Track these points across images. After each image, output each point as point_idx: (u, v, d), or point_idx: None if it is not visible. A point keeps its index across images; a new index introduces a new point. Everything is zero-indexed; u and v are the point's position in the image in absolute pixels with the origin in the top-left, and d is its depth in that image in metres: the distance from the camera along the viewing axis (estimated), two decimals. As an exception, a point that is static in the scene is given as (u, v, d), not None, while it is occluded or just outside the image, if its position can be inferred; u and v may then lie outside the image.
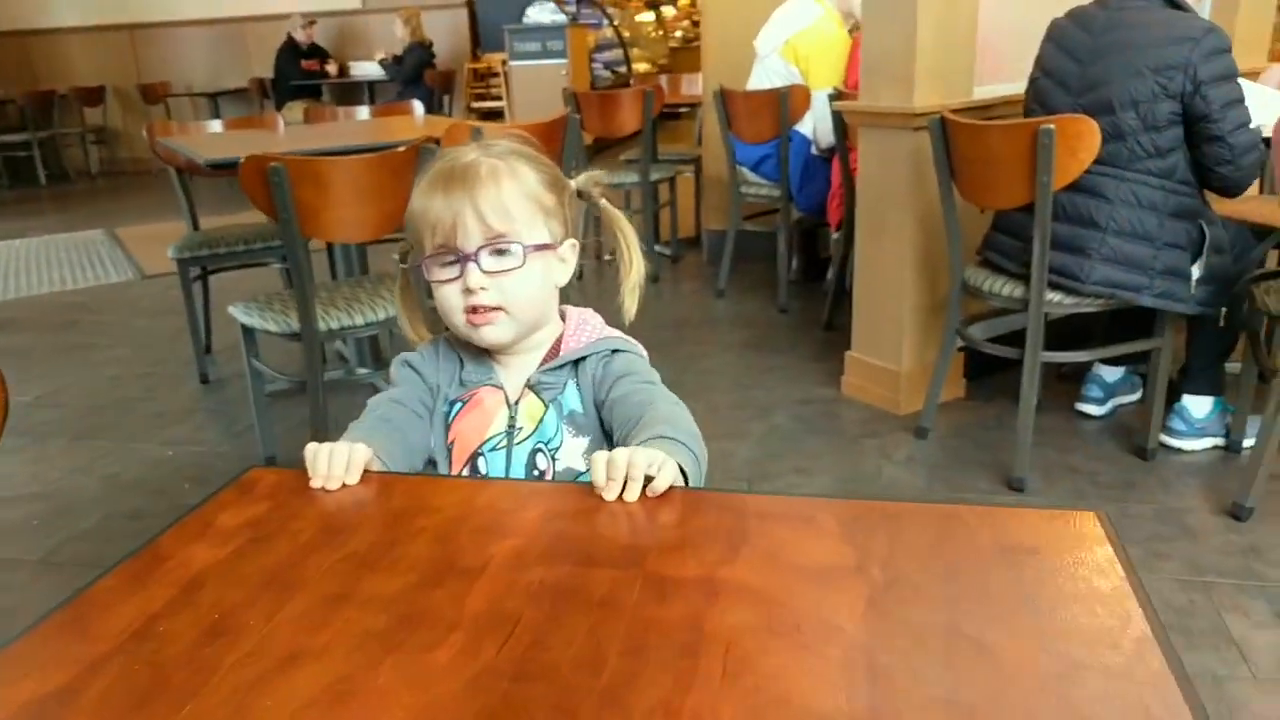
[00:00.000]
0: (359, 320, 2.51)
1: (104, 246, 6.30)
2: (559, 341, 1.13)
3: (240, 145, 2.42)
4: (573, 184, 1.14)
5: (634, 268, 1.15)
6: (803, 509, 0.76)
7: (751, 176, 4.07)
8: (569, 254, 1.13)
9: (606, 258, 4.82)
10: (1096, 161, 2.24)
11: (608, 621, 0.61)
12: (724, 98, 3.90)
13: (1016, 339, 2.53)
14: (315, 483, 0.86)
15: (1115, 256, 2.30)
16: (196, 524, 0.78)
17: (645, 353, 1.13)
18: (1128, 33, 2.26)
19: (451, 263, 1.04)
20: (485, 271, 1.03)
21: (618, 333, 1.16)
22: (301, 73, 8.64)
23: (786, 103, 3.70)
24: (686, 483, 0.85)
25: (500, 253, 1.04)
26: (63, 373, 3.82)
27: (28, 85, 9.41)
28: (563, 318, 1.16)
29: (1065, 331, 2.76)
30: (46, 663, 0.61)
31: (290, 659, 0.59)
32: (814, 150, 3.89)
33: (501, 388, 1.11)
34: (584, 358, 1.10)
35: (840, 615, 0.61)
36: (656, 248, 4.87)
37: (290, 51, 8.66)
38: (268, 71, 8.90)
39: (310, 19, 8.70)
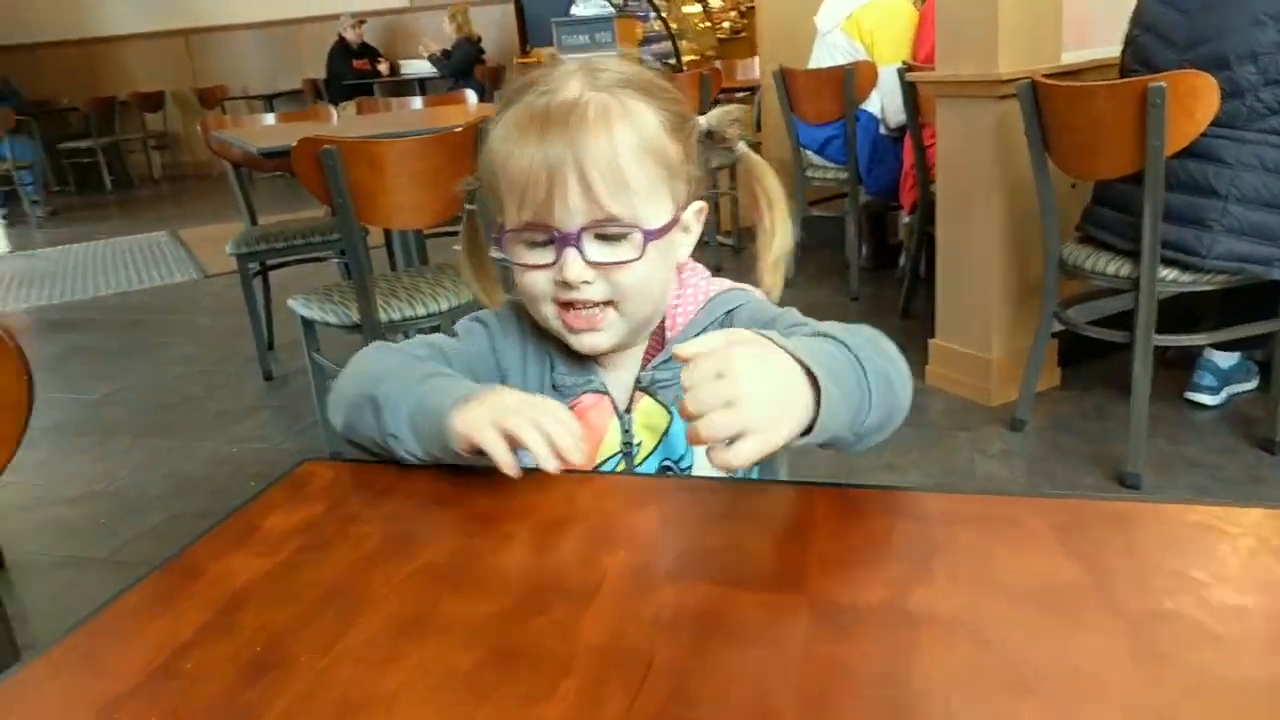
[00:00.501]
0: (420, 311, 2.41)
1: (168, 247, 6.34)
2: (665, 319, 0.90)
3: (293, 135, 2.33)
4: (701, 121, 0.88)
5: (778, 235, 0.90)
6: (997, 509, 0.61)
7: (816, 160, 3.89)
8: (694, 221, 0.89)
9: (719, 239, 4.67)
10: (1212, 123, 2.04)
11: (772, 666, 0.47)
12: (785, 77, 3.72)
13: (1119, 322, 2.34)
14: (548, 463, 0.66)
15: (1240, 227, 2.09)
16: (238, 528, 0.66)
17: (766, 296, 0.91)
18: (1244, -21, 2.05)
19: (543, 243, 0.81)
20: (590, 262, 0.80)
21: (724, 281, 0.93)
22: (354, 72, 8.64)
23: (852, 80, 3.52)
24: (860, 416, 0.66)
25: (611, 238, 0.80)
26: (129, 371, 3.83)
27: (90, 92, 9.56)
28: None
29: (1170, 313, 2.55)
30: (47, 707, 0.49)
31: (352, 709, 0.46)
32: (882, 129, 3.71)
33: (606, 392, 0.88)
34: (700, 332, 0.86)
35: (1096, 660, 0.46)
36: (718, 238, 4.71)
37: (342, 51, 8.67)
38: (320, 72, 8.92)
39: (359, 18, 8.70)
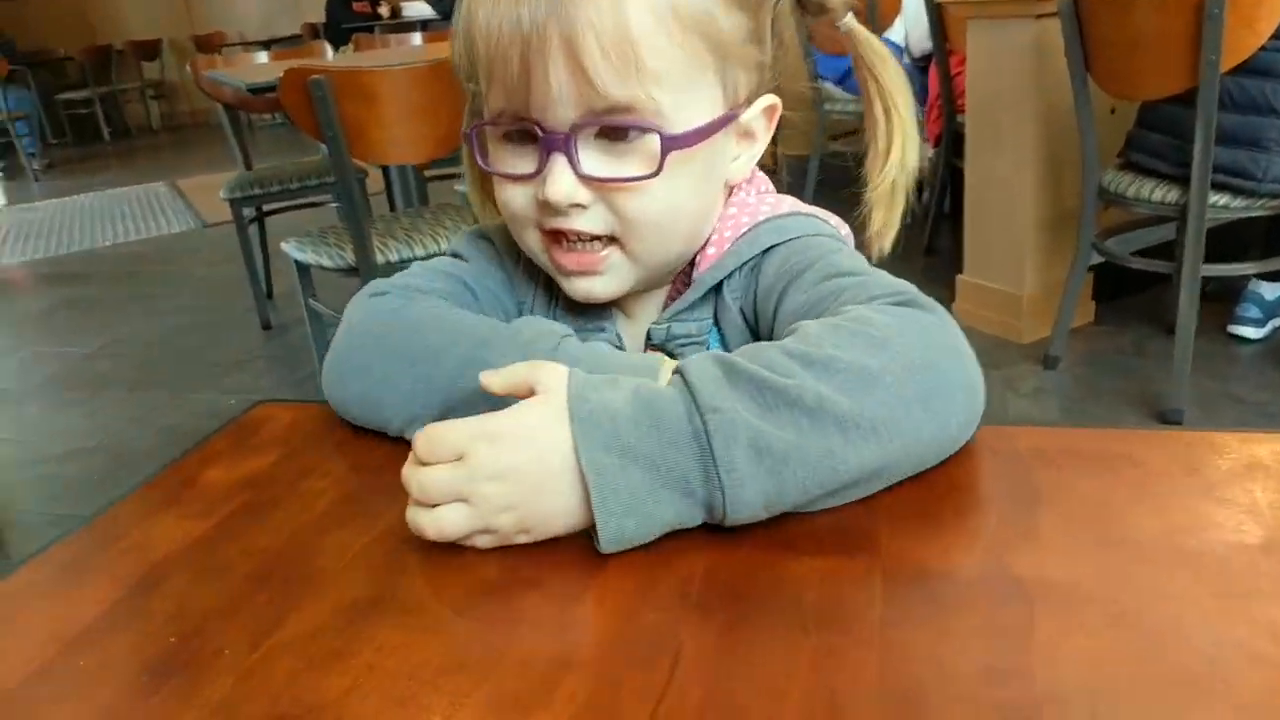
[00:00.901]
0: (419, 252, 2.28)
1: (165, 198, 6.21)
2: (700, 254, 0.66)
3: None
4: None
5: (895, 150, 0.66)
6: (1107, 445, 0.48)
7: (836, 92, 3.71)
8: (761, 124, 0.65)
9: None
10: (1273, 36, 1.87)
11: (836, 658, 0.35)
12: (801, 4, 3.52)
13: (1160, 253, 2.19)
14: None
15: (1298, 148, 1.93)
16: (169, 484, 0.54)
17: (841, 228, 0.67)
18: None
19: (521, 141, 0.60)
20: (585, 177, 0.58)
21: (784, 200, 0.68)
22: (353, 15, 8.38)
23: (875, 8, 3.33)
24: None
25: (617, 137, 0.58)
26: (124, 323, 3.72)
27: (84, 41, 9.33)
28: None
29: (1213, 243, 2.40)
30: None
31: None
32: (906, 59, 3.52)
33: (620, 346, 0.68)
34: (727, 276, 0.64)
35: None
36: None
37: (341, -6, 8.41)
38: (319, 16, 8.66)
39: (361, -40, 8.41)
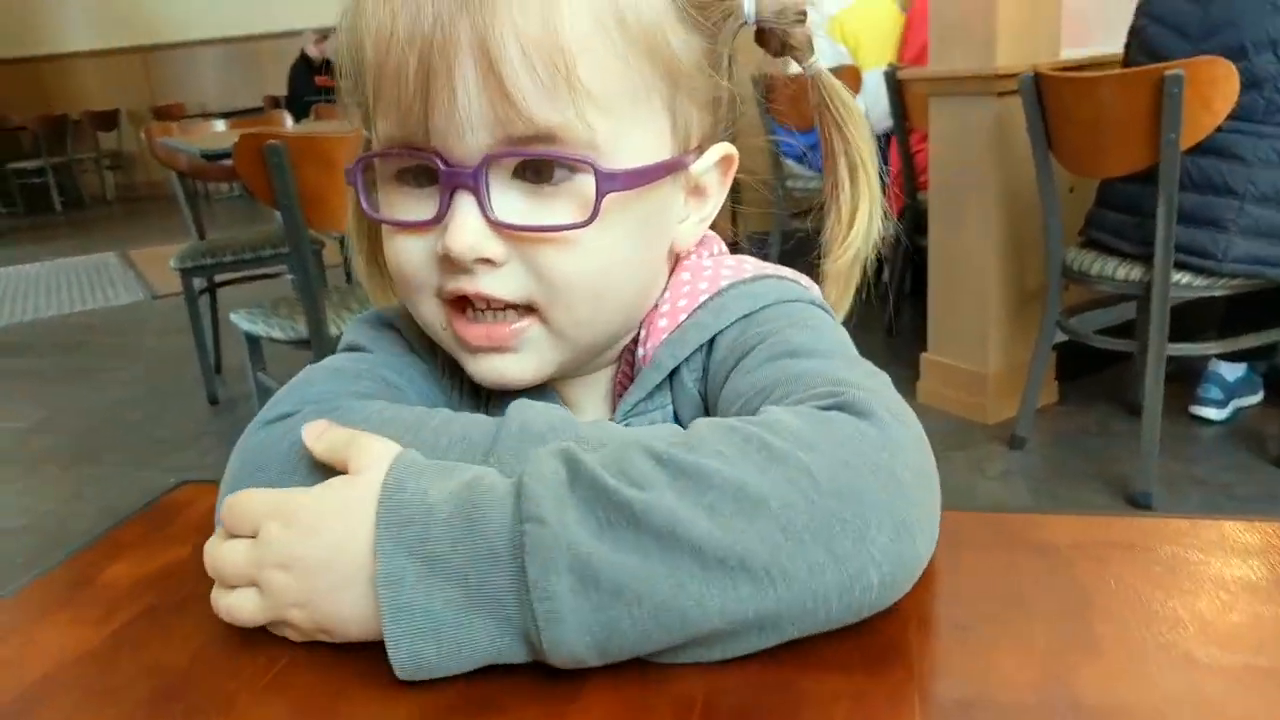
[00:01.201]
0: (373, 324, 2.20)
1: (115, 269, 6.08)
2: (645, 328, 0.55)
3: (240, 136, 2.14)
4: (747, 6, 0.53)
5: (860, 218, 0.57)
6: (1149, 535, 0.42)
7: (797, 169, 3.74)
8: (715, 177, 0.55)
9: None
10: (1229, 117, 1.90)
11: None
12: (764, 81, 3.57)
13: (1120, 332, 2.18)
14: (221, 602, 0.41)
15: (1258, 228, 1.95)
16: (64, 580, 0.46)
17: (812, 290, 0.55)
18: (1260, -37, 1.92)
19: (419, 181, 0.48)
20: (496, 223, 0.46)
21: (750, 265, 0.56)
22: (315, 89, 8.42)
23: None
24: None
25: (540, 178, 0.47)
26: (65, 396, 3.59)
27: (40, 110, 9.24)
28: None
29: (1172, 323, 2.41)
30: None
31: None
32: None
33: None
34: (686, 359, 0.52)
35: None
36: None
37: (304, 67, 8.45)
38: (282, 89, 8.69)
39: (322, 34, 8.48)
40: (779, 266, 0.57)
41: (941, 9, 2.49)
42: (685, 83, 0.50)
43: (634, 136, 0.48)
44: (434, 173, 0.47)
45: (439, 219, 0.46)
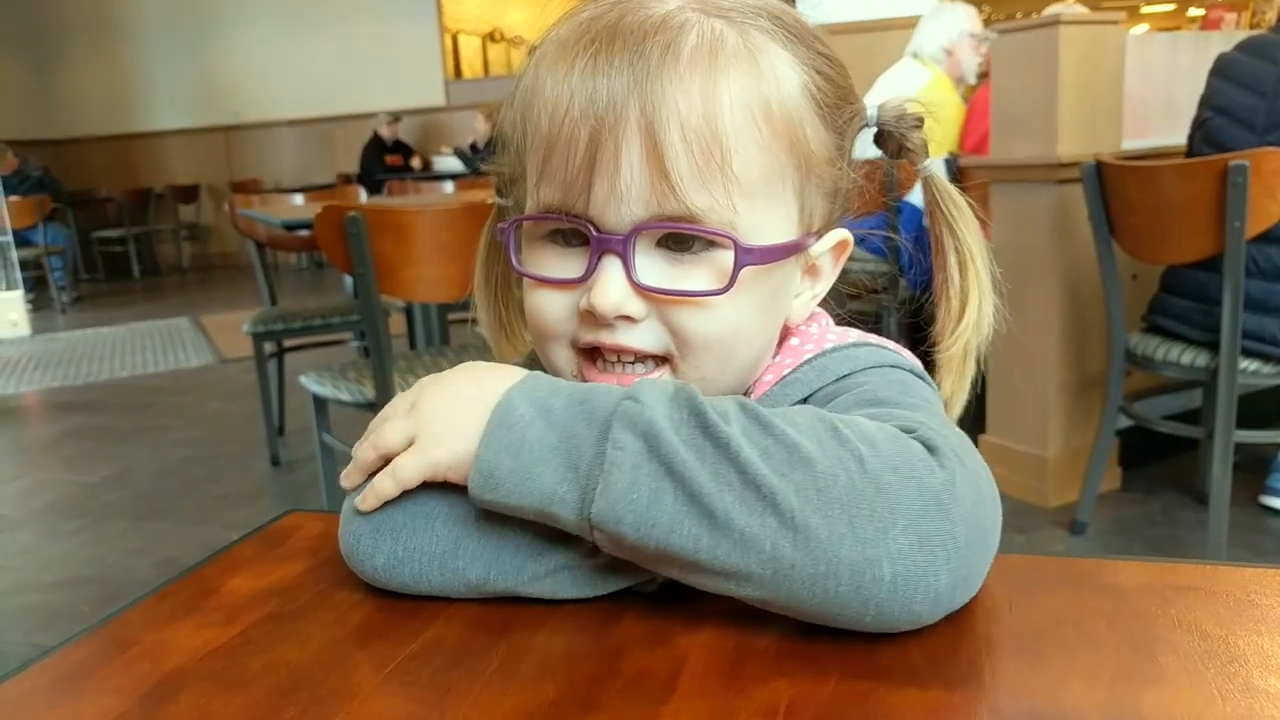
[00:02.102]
0: (438, 389, 2.26)
1: (187, 333, 6.29)
2: (753, 389, 0.59)
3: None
4: (870, 109, 0.61)
5: (970, 311, 0.61)
6: (1220, 581, 0.44)
7: (855, 251, 3.79)
8: (828, 260, 0.60)
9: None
10: (1294, 207, 1.90)
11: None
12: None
13: (1184, 419, 2.16)
14: (347, 479, 0.51)
15: (1324, 316, 1.94)
16: (189, 590, 0.50)
17: (912, 360, 0.59)
18: (1325, 58, 1.95)
19: (571, 244, 0.53)
20: (643, 287, 0.51)
21: (854, 334, 0.61)
22: (385, 168, 8.75)
23: (894, 171, 3.43)
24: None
25: (682, 250, 0.52)
26: (132, 454, 3.69)
27: (128, 184, 9.73)
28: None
29: (1240, 410, 2.38)
30: None
31: None
32: (926, 221, 3.61)
33: None
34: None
35: None
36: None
37: (375, 147, 8.80)
38: (353, 167, 9.04)
39: (395, 116, 8.85)
40: (881, 338, 0.61)
41: (1003, 100, 2.55)
42: (814, 172, 0.56)
43: (768, 217, 0.53)
44: (583, 235, 0.52)
45: (585, 278, 0.52)
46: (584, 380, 0.54)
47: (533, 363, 0.62)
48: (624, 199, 0.50)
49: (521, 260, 0.55)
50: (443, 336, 3.02)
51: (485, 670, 0.40)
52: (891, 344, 0.60)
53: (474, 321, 0.69)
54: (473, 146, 8.44)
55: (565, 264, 0.53)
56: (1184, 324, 2.13)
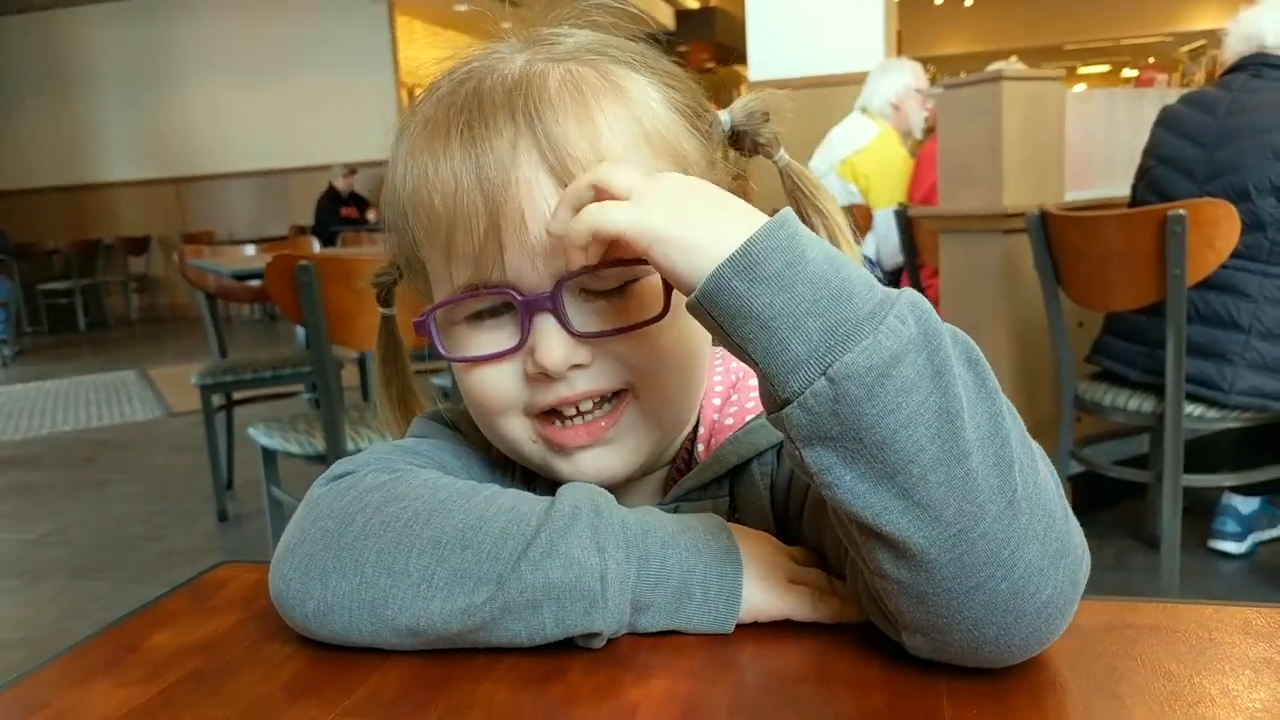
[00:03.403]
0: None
1: (134, 386, 6.15)
2: (695, 429, 0.60)
3: (270, 256, 2.22)
4: (722, 116, 0.61)
5: None
6: (1177, 618, 0.43)
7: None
8: None
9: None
10: (1232, 255, 1.96)
11: None
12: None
13: (1138, 463, 2.19)
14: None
15: (1264, 362, 1.98)
16: (110, 647, 0.47)
17: None
18: (1261, 114, 2.02)
19: (495, 315, 0.52)
20: (579, 334, 0.51)
21: None
22: (341, 220, 8.71)
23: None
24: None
25: (601, 293, 0.52)
26: (73, 510, 3.57)
27: (76, 235, 9.56)
28: None
29: (1185, 454, 2.42)
30: None
31: None
32: (879, 272, 3.66)
33: None
34: (749, 460, 0.56)
35: None
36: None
37: (330, 199, 8.77)
38: (309, 219, 8.99)
39: (351, 168, 8.84)
40: None
41: (950, 152, 2.60)
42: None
43: None
44: (507, 307, 0.51)
45: (521, 344, 0.51)
46: (547, 447, 0.53)
47: (460, 418, 0.61)
48: (537, 252, 0.49)
49: (448, 348, 0.54)
50: (396, 387, 2.97)
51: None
52: None
53: (438, 373, 0.68)
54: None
55: (495, 337, 0.52)
56: (1126, 365, 2.17)
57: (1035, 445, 0.43)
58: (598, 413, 0.53)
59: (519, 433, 0.53)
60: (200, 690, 0.42)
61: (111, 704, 0.41)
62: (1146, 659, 0.40)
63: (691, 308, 0.42)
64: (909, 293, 0.41)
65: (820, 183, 0.63)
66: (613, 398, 0.53)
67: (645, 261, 0.47)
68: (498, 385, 0.52)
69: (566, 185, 0.48)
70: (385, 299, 0.66)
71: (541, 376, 0.50)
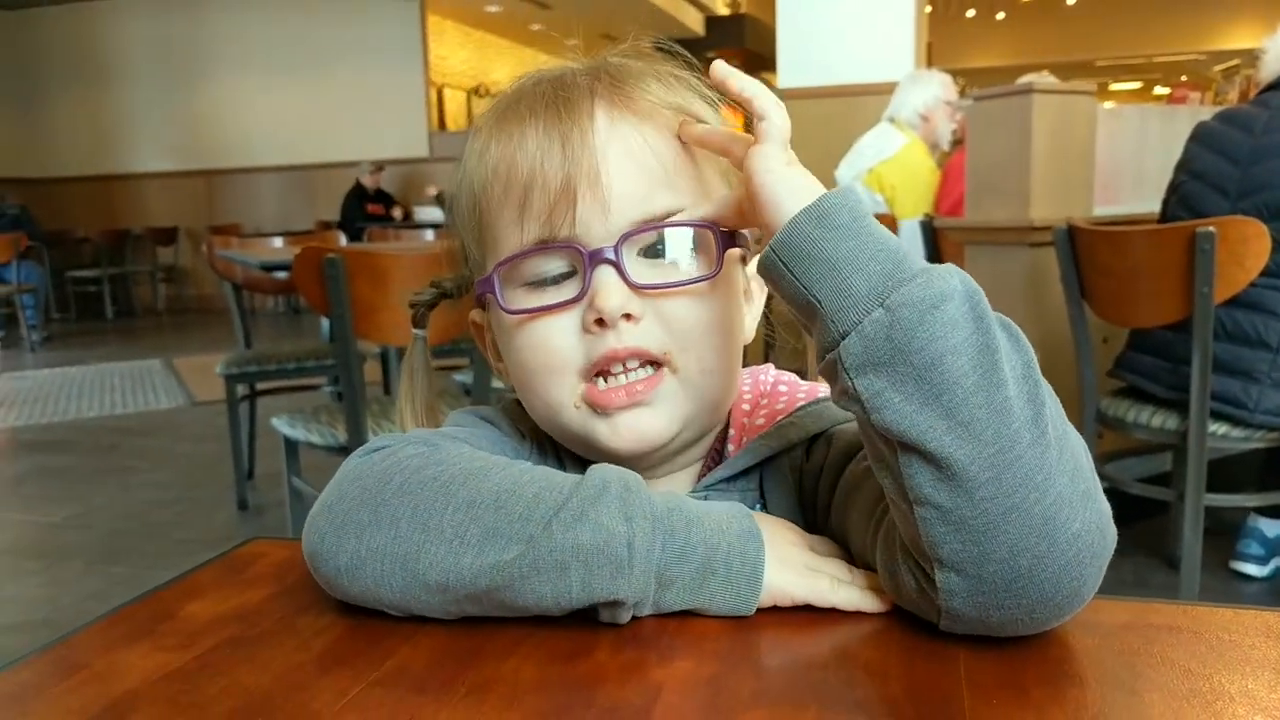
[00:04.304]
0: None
1: (158, 375, 6.21)
2: (725, 430, 0.63)
3: (299, 251, 2.25)
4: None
5: None
6: (1200, 620, 0.43)
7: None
8: (756, 285, 0.63)
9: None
10: (1262, 273, 1.94)
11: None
12: None
13: (1161, 481, 2.17)
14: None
15: (1291, 382, 1.96)
16: (145, 613, 0.48)
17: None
18: (1296, 131, 2.01)
19: (557, 277, 0.56)
20: (636, 285, 0.54)
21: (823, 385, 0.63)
22: (366, 216, 8.77)
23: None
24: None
25: (658, 254, 0.56)
26: (95, 495, 3.61)
27: (106, 224, 9.68)
28: None
29: (1211, 473, 2.39)
30: None
31: None
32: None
33: None
34: (775, 455, 0.59)
35: None
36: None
37: (356, 196, 8.83)
38: (334, 215, 9.06)
39: (378, 165, 8.90)
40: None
41: (978, 164, 2.60)
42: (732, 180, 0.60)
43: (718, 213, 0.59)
44: (567, 277, 0.56)
45: (582, 295, 0.55)
46: (589, 409, 0.56)
47: (501, 413, 0.64)
48: (608, 209, 0.54)
49: (508, 299, 0.57)
50: (418, 382, 2.99)
51: (451, 699, 0.39)
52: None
53: (460, 370, 0.70)
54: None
55: (556, 293, 0.56)
56: (1150, 380, 2.15)
57: (1067, 421, 0.47)
58: (639, 374, 0.55)
59: (566, 394, 0.56)
60: (235, 657, 0.43)
61: (149, 667, 0.43)
62: (1166, 657, 0.41)
63: (766, 257, 0.48)
64: (953, 266, 0.47)
65: None
66: (653, 369, 0.56)
67: (704, 224, 0.55)
68: (556, 336, 0.55)
69: (634, 150, 0.55)
70: (420, 320, 0.68)
71: (595, 326, 0.54)
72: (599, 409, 0.55)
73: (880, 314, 0.44)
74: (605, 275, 0.54)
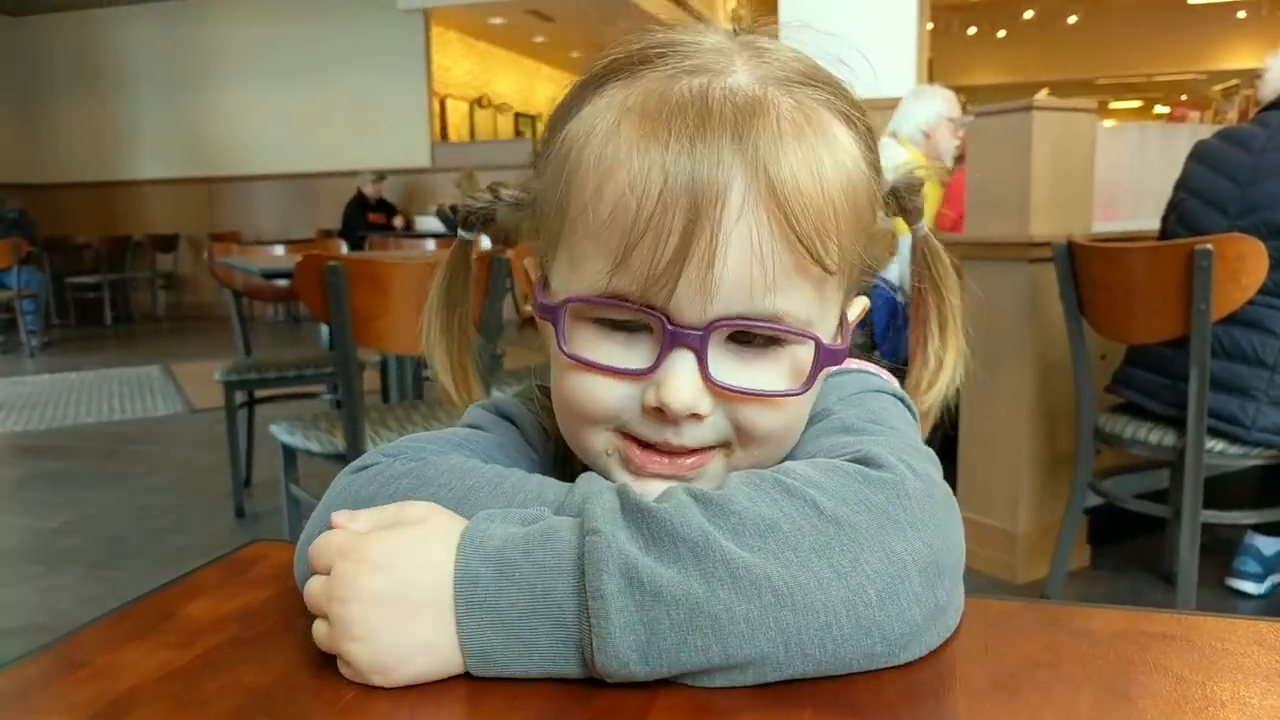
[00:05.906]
0: (410, 442, 2.24)
1: (157, 381, 6.22)
2: None
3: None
4: (888, 173, 0.59)
5: (946, 369, 0.63)
6: (1191, 629, 0.44)
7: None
8: (848, 329, 0.56)
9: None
10: (1260, 291, 1.95)
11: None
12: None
13: (1158, 498, 2.18)
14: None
15: (1288, 400, 1.97)
16: (146, 613, 0.48)
17: (892, 383, 0.61)
18: (1295, 151, 2.02)
19: (628, 328, 0.49)
20: (716, 385, 0.48)
21: (853, 364, 0.60)
22: (367, 225, 8.79)
23: (871, 246, 3.50)
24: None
25: (749, 341, 0.49)
26: (92, 500, 3.62)
27: (106, 231, 9.70)
28: None
29: (1207, 490, 2.40)
30: None
31: None
32: (899, 298, 3.67)
33: None
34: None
35: None
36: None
37: (358, 205, 8.85)
38: (335, 224, 9.08)
39: (380, 174, 8.92)
40: (862, 361, 0.62)
41: (978, 180, 2.61)
42: (870, 250, 0.53)
43: (832, 305, 0.51)
44: (646, 328, 0.48)
45: (652, 370, 0.48)
46: (620, 460, 0.51)
47: (525, 408, 0.60)
48: (713, 295, 0.46)
49: (569, 343, 0.49)
50: (416, 391, 3.00)
51: (452, 700, 0.39)
52: (872, 366, 0.62)
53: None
54: (454, 209, 8.50)
55: (624, 353, 0.48)
56: (1148, 397, 2.16)
57: (748, 490, 0.44)
58: (690, 459, 0.50)
59: (601, 445, 0.51)
60: (237, 656, 0.44)
61: (151, 665, 0.43)
62: (1159, 664, 0.41)
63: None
64: (588, 544, 0.41)
65: (950, 264, 0.64)
66: (713, 448, 0.50)
67: (808, 335, 0.48)
68: (608, 400, 0.49)
69: (760, 241, 0.46)
70: (467, 222, 0.60)
71: (656, 412, 0.48)
72: (633, 466, 0.50)
73: (613, 679, 0.41)
74: (682, 363, 0.47)
